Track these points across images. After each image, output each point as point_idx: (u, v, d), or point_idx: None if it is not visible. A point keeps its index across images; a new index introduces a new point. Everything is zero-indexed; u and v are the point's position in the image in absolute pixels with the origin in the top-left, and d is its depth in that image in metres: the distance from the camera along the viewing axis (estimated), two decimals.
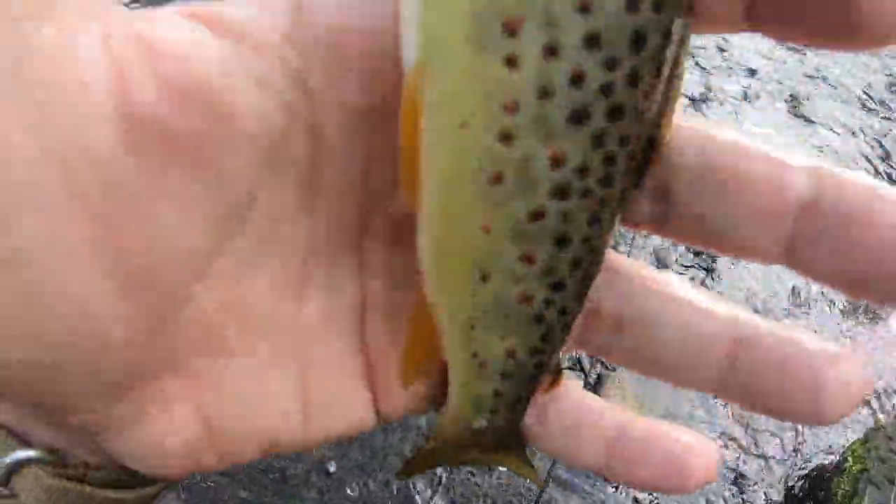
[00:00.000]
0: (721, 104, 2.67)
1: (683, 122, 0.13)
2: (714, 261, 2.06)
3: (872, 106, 2.87)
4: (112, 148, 0.11)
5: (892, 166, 2.51)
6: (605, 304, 0.15)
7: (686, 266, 2.04)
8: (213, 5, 0.12)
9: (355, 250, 0.15)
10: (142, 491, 0.16)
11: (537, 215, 0.11)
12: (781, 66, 3.00)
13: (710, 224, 0.13)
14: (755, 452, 1.64)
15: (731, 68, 2.97)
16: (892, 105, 2.84)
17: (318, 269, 0.14)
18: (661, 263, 2.05)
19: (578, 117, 0.10)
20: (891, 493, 1.31)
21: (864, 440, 1.58)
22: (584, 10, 0.09)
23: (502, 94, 0.10)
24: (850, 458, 1.55)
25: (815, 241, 0.13)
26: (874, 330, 1.99)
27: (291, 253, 0.14)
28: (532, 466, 0.18)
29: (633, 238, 1.95)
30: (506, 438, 0.16)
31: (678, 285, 0.15)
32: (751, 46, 3.14)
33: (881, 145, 2.61)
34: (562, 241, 0.11)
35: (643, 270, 0.15)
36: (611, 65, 0.10)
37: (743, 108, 2.71)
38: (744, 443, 1.69)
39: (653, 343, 0.15)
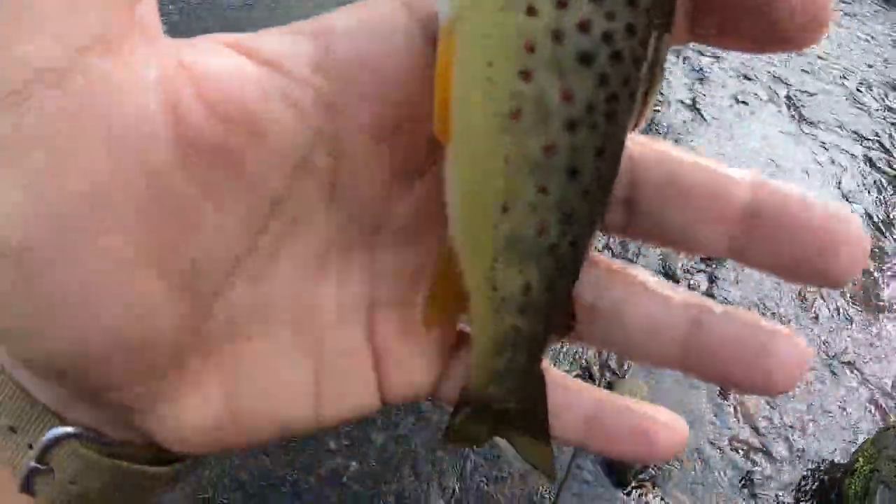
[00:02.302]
0: (719, 109, 2.68)
1: (644, 142, 0.15)
2: (717, 268, 2.07)
3: (871, 104, 2.88)
4: (166, 163, 0.12)
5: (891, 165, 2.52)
6: (583, 294, 0.17)
7: (692, 272, 2.05)
8: (252, 37, 0.14)
9: (368, 250, 0.16)
10: (165, 468, 0.17)
11: (550, 149, 0.13)
12: (778, 67, 3.01)
13: (667, 228, 0.16)
14: (765, 455, 1.64)
15: (726, 71, 2.98)
16: (890, 103, 2.85)
17: (333, 265, 0.16)
18: (669, 270, 2.05)
19: (586, 58, 0.12)
20: None
21: (874, 440, 1.58)
22: None
23: (523, 37, 0.12)
24: (860, 459, 1.55)
25: (753, 240, 0.15)
26: (882, 333, 1.99)
27: (309, 251, 0.16)
28: (552, 455, 0.19)
29: (640, 248, 1.95)
30: (528, 406, 0.18)
31: (642, 276, 0.17)
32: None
33: (880, 143, 2.62)
34: (573, 173, 0.13)
35: (613, 265, 0.17)
36: (611, 16, 0.12)
37: (741, 111, 2.72)
38: (754, 445, 1.69)
39: (621, 328, 0.17)
